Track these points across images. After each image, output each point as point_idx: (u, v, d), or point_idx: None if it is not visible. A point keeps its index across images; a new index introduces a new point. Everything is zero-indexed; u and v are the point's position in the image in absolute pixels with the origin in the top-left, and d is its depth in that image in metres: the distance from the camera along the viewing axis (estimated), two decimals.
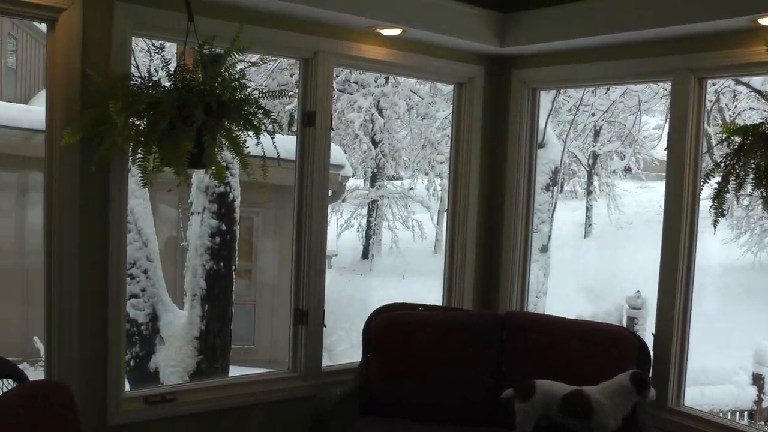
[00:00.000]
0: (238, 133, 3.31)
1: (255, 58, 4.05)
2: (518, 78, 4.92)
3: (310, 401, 4.11)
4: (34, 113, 9.64)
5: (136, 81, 3.33)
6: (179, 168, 3.09)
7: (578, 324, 4.24)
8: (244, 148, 3.31)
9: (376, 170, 17.33)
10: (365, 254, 17.84)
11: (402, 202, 17.59)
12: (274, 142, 3.39)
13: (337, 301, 13.36)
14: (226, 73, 3.27)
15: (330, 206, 12.29)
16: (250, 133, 3.33)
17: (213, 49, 3.40)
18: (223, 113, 3.20)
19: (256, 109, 3.33)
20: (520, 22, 4.60)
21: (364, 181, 18.39)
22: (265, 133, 3.35)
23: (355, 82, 16.66)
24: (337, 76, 15.46)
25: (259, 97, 3.38)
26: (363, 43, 4.37)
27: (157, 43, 10.40)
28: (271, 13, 3.97)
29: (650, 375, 4.05)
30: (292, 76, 15.43)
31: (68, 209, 3.53)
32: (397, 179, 19.52)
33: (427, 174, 18.70)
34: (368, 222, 17.72)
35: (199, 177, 6.68)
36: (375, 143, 16.96)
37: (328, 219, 12.43)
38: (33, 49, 15.70)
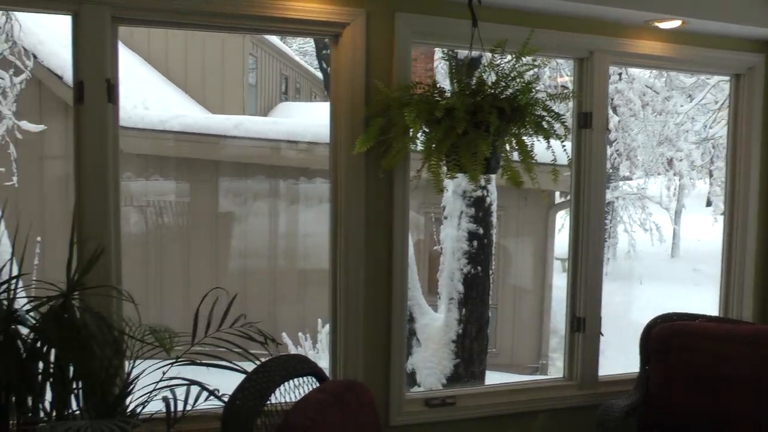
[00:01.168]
0: (525, 138, 3.26)
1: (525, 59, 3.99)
2: None
3: (589, 411, 4.01)
4: (280, 125, 10.12)
5: (421, 88, 3.36)
6: (474, 174, 3.07)
7: None
8: (532, 153, 3.25)
9: (611, 170, 16.82)
10: None
11: (639, 204, 16.95)
12: (564, 147, 3.31)
13: None
14: (519, 77, 3.22)
15: (565, 210, 12.07)
16: (540, 138, 3.26)
17: (468, 54, 3.38)
18: (515, 118, 3.16)
19: (545, 113, 3.26)
20: None
21: None
22: (555, 137, 3.27)
23: None
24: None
25: (546, 100, 3.31)
26: (638, 38, 4.20)
27: None
28: (548, 14, 3.90)
29: None
30: None
31: (354, 215, 3.62)
32: (629, 179, 18.86)
33: (660, 174, 17.93)
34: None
35: (456, 181, 6.73)
36: (610, 142, 16.48)
37: (562, 221, 12.30)
38: (271, 65, 16.49)
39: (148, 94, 11.58)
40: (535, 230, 10.49)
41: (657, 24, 4.12)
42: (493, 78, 3.25)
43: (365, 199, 3.62)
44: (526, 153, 3.23)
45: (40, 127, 8.70)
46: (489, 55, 3.35)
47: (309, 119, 12.74)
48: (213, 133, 9.70)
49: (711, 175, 18.47)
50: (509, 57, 3.31)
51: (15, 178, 8.57)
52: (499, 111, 3.07)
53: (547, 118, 3.26)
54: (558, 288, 10.71)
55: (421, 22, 3.64)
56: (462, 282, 6.77)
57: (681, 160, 16.67)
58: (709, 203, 21.72)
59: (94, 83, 3.18)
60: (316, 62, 19.33)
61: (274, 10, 3.39)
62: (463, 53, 4.96)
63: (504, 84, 3.20)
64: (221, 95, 13.99)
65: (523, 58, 3.25)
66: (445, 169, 3.21)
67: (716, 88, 14.25)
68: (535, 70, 3.40)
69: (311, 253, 9.79)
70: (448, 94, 3.28)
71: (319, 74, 19.32)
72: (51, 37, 9.59)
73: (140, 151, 9.73)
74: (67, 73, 9.57)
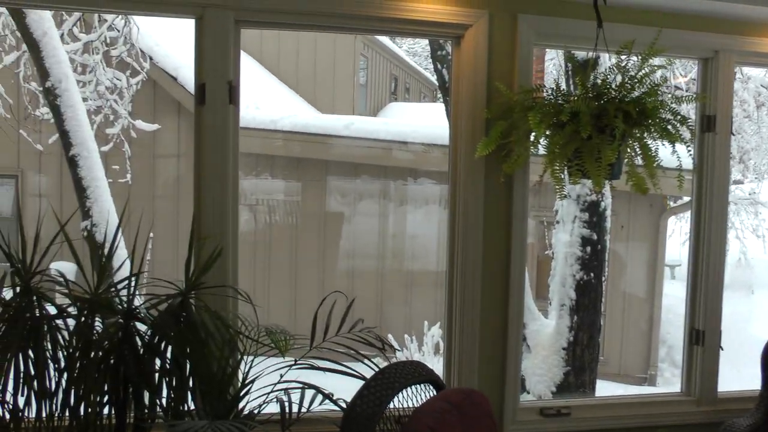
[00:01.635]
0: (649, 142, 3.14)
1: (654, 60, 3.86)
2: None
3: (708, 429, 3.87)
4: (391, 126, 10.15)
5: (544, 91, 3.28)
6: (599, 180, 2.99)
7: None
8: (657, 158, 3.12)
9: None
10: None
11: (751, 209, 16.34)
12: (689, 151, 3.20)
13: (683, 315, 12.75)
14: (646, 79, 3.11)
15: (676, 215, 11.78)
16: (665, 142, 3.14)
17: (590, 55, 3.29)
18: (640, 121, 3.05)
19: (671, 116, 3.14)
20: None
21: None
22: (681, 141, 3.15)
23: (694, 78, 15.76)
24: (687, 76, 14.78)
25: (671, 102, 3.18)
26: (765, 36, 4.00)
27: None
28: (672, 13, 3.76)
29: None
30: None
31: (473, 220, 3.57)
32: (740, 183, 18.23)
33: None
34: None
35: (569, 186, 6.58)
36: None
37: (672, 227, 11.97)
38: (381, 66, 16.58)
39: (259, 95, 11.77)
40: (646, 236, 10.25)
41: None
42: (617, 80, 3.16)
43: (484, 203, 3.56)
44: (650, 158, 3.11)
45: (154, 126, 8.96)
46: (607, 56, 3.26)
47: (419, 120, 12.76)
48: (324, 133, 9.80)
49: None
50: (634, 58, 3.21)
51: (129, 176, 8.84)
52: (625, 114, 2.98)
53: (672, 122, 3.15)
54: (666, 296, 10.45)
55: (544, 23, 3.57)
56: (574, 288, 6.64)
57: None
58: None
59: (216, 85, 3.22)
60: (425, 63, 19.36)
61: (398, 11, 3.36)
62: (579, 54, 4.88)
63: (629, 86, 3.10)
64: (332, 95, 14.15)
65: (649, 59, 3.14)
66: (567, 175, 3.13)
67: None
68: (661, 71, 3.28)
69: (418, 254, 9.79)
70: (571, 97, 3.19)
71: (429, 75, 19.34)
72: (167, 39, 9.84)
73: (250, 150, 9.91)
74: (182, 74, 9.83)
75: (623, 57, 3.14)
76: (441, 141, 8.89)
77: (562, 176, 3.11)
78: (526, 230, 3.67)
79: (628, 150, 3.16)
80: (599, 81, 3.14)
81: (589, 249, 6.61)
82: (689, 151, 3.22)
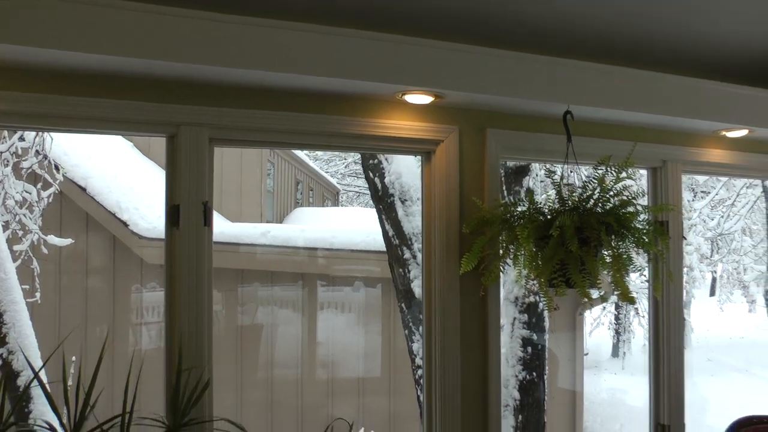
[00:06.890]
0: (623, 251, 3.18)
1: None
2: None
3: None
4: (308, 233, 10.09)
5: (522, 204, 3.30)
6: (585, 291, 3.00)
7: None
8: (632, 267, 3.17)
9: None
10: (615, 352, 17.15)
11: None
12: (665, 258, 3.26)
13: (599, 403, 12.95)
14: (621, 191, 3.18)
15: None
16: (640, 251, 3.20)
17: (515, 163, 3.36)
18: (618, 232, 3.10)
19: (645, 226, 3.22)
20: None
21: None
22: (657, 250, 3.23)
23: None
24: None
25: (642, 212, 3.25)
26: (707, 147, 4.22)
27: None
28: (624, 126, 3.91)
29: None
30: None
31: (450, 337, 3.50)
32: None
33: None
34: (617, 318, 17.06)
35: (508, 288, 6.64)
36: None
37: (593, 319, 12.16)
38: (286, 171, 16.48)
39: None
40: (564, 327, 10.38)
41: (725, 133, 4.13)
42: (588, 192, 3.21)
43: (460, 318, 3.51)
44: (625, 266, 3.15)
45: (68, 241, 8.64)
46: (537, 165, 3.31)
47: (326, 224, 12.71)
48: (239, 242, 9.65)
49: (716, 266, 18.55)
50: (586, 168, 3.30)
51: (38, 294, 8.47)
52: (606, 227, 3.03)
53: (645, 231, 3.21)
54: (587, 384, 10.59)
55: (511, 137, 3.63)
56: (517, 389, 6.64)
57: (691, 254, 16.68)
58: (712, 293, 21.77)
59: (192, 207, 3.10)
60: (326, 166, 19.45)
61: (371, 128, 3.34)
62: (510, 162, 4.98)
63: (607, 198, 3.16)
64: (239, 203, 13.95)
65: (624, 171, 3.22)
66: (552, 288, 3.13)
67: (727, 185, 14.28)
68: (633, 182, 3.35)
69: (339, 361, 9.63)
70: (545, 209, 3.22)
71: (330, 177, 19.39)
72: (76, 148, 9.60)
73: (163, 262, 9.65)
74: (91, 184, 9.56)
75: (599, 170, 3.19)
76: (362, 246, 8.89)
77: (548, 289, 3.11)
78: (499, 342, 3.64)
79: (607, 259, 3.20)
80: (572, 194, 3.19)
81: (530, 349, 6.65)
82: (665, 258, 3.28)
